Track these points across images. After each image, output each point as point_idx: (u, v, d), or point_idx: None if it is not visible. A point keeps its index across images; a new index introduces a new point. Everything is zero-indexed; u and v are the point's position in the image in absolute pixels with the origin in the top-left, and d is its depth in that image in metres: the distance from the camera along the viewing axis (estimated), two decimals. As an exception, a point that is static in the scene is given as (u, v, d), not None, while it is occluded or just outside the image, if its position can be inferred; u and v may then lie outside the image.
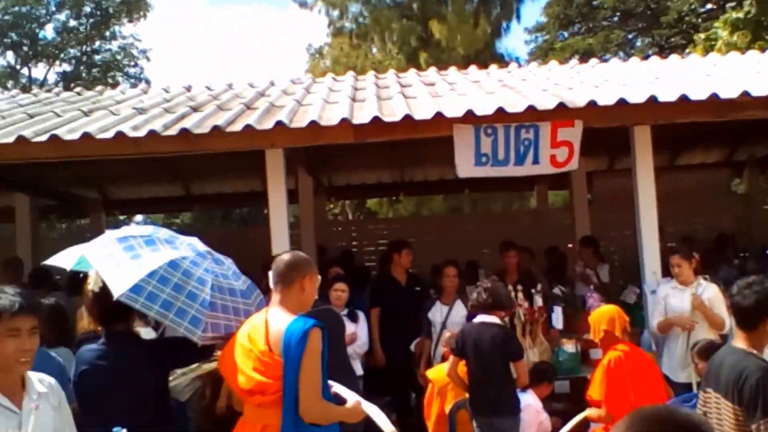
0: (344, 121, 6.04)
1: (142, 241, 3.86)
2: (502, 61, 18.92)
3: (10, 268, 8.38)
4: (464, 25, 20.72)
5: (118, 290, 3.57)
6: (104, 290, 3.68)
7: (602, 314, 5.36)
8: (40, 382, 2.92)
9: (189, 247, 4.01)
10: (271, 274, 3.63)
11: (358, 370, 6.47)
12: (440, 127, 6.13)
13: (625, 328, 5.27)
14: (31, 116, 7.15)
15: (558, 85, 7.58)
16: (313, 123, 6.03)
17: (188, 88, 9.20)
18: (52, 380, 2.99)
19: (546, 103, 6.26)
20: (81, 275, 4.19)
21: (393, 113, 6.27)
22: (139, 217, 4.57)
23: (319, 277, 3.73)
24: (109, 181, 10.87)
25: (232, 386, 3.63)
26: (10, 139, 5.90)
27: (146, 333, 4.86)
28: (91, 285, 3.85)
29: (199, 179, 11.28)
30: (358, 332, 6.74)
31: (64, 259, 4.51)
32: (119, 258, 3.73)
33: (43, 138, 5.92)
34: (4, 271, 8.34)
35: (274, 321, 3.49)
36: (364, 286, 8.07)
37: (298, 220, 10.00)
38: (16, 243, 9.77)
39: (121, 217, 19.23)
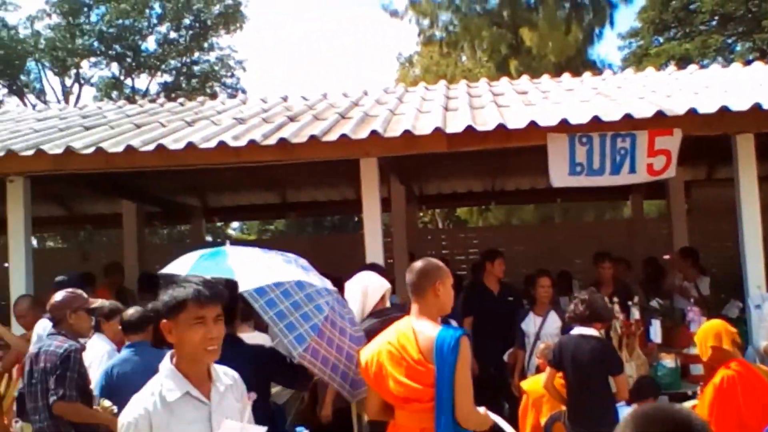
0: (437, 131, 6.09)
1: (281, 259, 4.19)
2: (594, 67, 18.61)
3: (111, 272, 8.79)
4: (555, 31, 20.47)
5: (244, 286, 3.86)
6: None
7: (707, 331, 5.09)
8: (224, 374, 2.91)
9: (320, 280, 4.29)
10: (407, 284, 3.73)
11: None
12: (533, 136, 6.11)
13: (735, 340, 5.02)
14: (138, 126, 7.49)
15: (655, 92, 7.43)
16: (406, 132, 6.11)
17: (285, 98, 9.44)
18: (235, 374, 2.97)
19: (643, 111, 6.15)
20: None
21: (486, 122, 6.29)
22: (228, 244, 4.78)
23: (452, 279, 3.78)
24: (209, 188, 11.23)
25: (383, 393, 3.68)
26: (120, 149, 6.20)
27: (256, 338, 5.06)
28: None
29: (295, 187, 11.54)
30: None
31: (180, 267, 4.80)
32: (255, 262, 4.08)
33: (150, 147, 6.20)
34: (107, 274, 8.76)
35: (422, 329, 3.59)
36: (456, 295, 8.08)
37: (390, 228, 10.10)
38: (124, 248, 10.24)
39: (219, 224, 19.90)
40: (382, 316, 4.83)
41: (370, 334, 4.71)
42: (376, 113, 7.35)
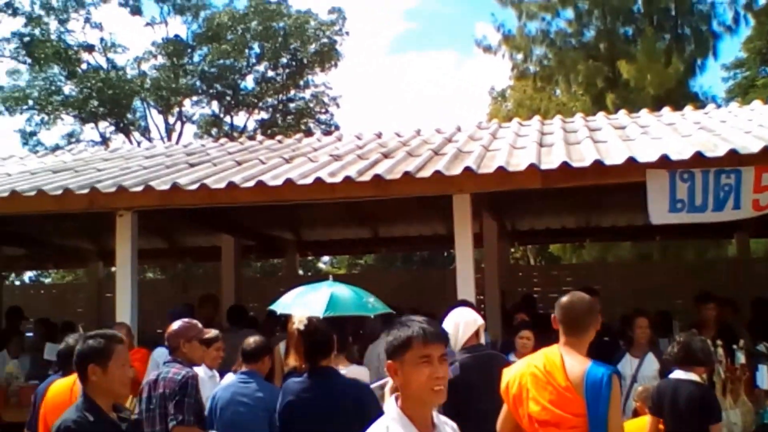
0: (532, 167, 6.06)
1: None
2: (696, 100, 18.11)
3: (207, 304, 9.03)
4: (655, 64, 20.01)
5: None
6: (308, 328, 3.98)
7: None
8: (445, 422, 2.87)
9: None
10: (559, 314, 3.88)
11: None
12: (632, 172, 6.00)
13: None
14: (239, 163, 7.75)
15: (762, 126, 7.19)
16: (500, 169, 6.10)
17: (379, 135, 9.58)
18: (453, 424, 2.95)
19: (749, 146, 5.97)
20: (281, 316, 4.58)
21: (582, 158, 6.23)
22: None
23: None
24: (304, 223, 11.45)
25: (518, 416, 3.83)
26: (222, 185, 6.43)
27: (353, 371, 5.15)
28: (296, 324, 4.17)
29: (387, 222, 11.63)
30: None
31: (282, 305, 5.11)
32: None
33: (251, 184, 6.41)
34: (201, 306, 9.01)
35: (572, 360, 3.74)
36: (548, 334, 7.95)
37: (481, 264, 10.04)
38: (222, 280, 10.54)
39: (309, 258, 20.23)
40: (474, 352, 4.90)
41: (464, 368, 4.73)
42: (470, 149, 7.37)
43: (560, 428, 3.64)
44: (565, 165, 6.00)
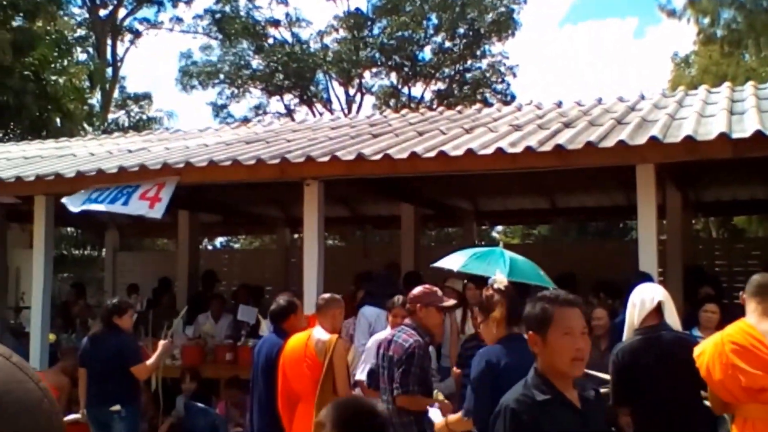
0: (722, 136, 5.82)
1: None
2: None
3: (392, 270, 9.41)
4: None
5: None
6: (509, 290, 4.18)
7: None
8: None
9: None
10: (751, 291, 4.29)
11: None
12: (834, 140, 5.64)
13: None
14: (420, 134, 7.95)
15: None
16: (688, 138, 5.90)
17: (559, 104, 9.48)
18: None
19: None
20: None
21: (778, 126, 5.90)
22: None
23: None
24: (481, 193, 11.55)
25: (729, 387, 4.14)
26: (404, 155, 6.64)
27: None
28: (497, 285, 4.31)
29: (565, 192, 11.51)
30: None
31: (452, 262, 5.21)
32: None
33: (432, 154, 6.58)
34: (387, 270, 9.39)
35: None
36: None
37: (661, 237, 9.73)
38: (401, 248, 10.88)
39: (483, 227, 20.30)
40: (647, 333, 4.69)
41: (632, 352, 4.61)
42: (655, 118, 7.16)
43: None
44: (758, 133, 5.71)
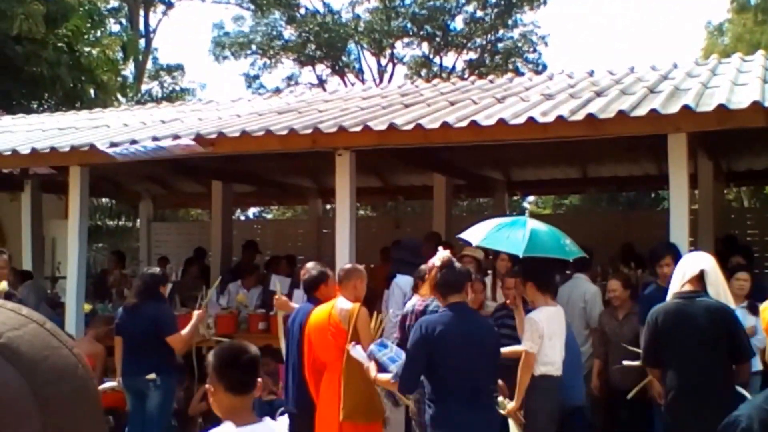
0: (755, 104, 5.77)
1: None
2: None
3: (430, 242, 9.45)
4: None
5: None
6: (444, 264, 4.52)
7: None
8: None
9: None
10: None
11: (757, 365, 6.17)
12: None
13: None
14: (451, 103, 7.97)
15: None
16: (720, 107, 5.86)
17: (591, 73, 9.42)
18: None
19: None
20: None
21: (813, 95, 5.85)
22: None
23: None
24: (513, 162, 11.53)
25: None
26: (436, 125, 6.67)
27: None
28: (435, 260, 4.71)
29: (596, 162, 11.47)
30: (757, 325, 6.44)
31: (477, 234, 5.33)
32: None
33: (464, 124, 6.60)
34: (424, 242, 9.45)
35: None
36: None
37: (692, 206, 9.68)
38: (433, 218, 10.94)
39: (515, 198, 20.27)
40: (681, 298, 4.84)
41: (665, 313, 4.72)
42: (687, 86, 7.11)
43: None
44: (792, 102, 5.68)
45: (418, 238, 6.14)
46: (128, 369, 6.75)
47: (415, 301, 5.61)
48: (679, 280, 4.88)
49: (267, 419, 3.12)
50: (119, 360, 6.91)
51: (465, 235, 6.01)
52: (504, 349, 5.04)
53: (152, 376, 6.54)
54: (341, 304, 5.49)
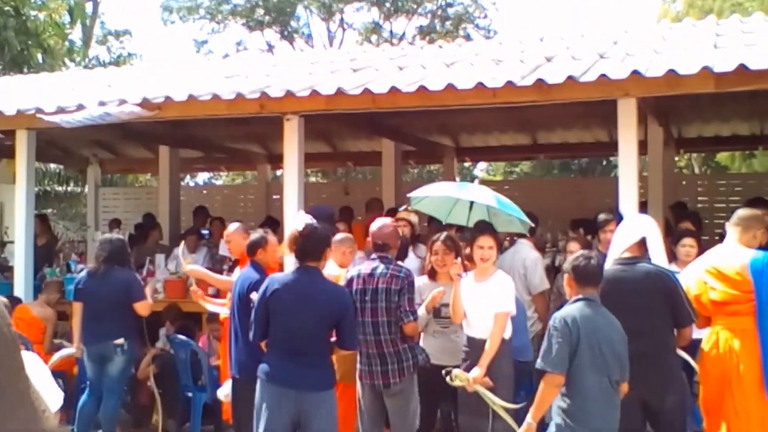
0: (705, 70, 5.77)
1: None
2: None
3: (374, 207, 9.41)
4: None
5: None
6: (304, 231, 4.76)
7: None
8: None
9: None
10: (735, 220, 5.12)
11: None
12: (816, 74, 5.59)
13: None
14: (400, 68, 7.84)
15: None
16: (670, 72, 5.84)
17: (541, 39, 9.37)
18: None
19: None
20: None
21: (759, 60, 5.84)
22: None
23: None
24: (462, 129, 11.50)
25: (703, 303, 5.00)
26: (385, 90, 6.55)
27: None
28: (297, 225, 4.89)
29: (546, 128, 11.49)
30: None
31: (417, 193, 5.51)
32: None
33: (412, 88, 6.49)
34: (368, 209, 9.40)
35: (738, 252, 4.95)
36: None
37: (643, 173, 9.76)
38: (382, 184, 10.88)
39: (465, 164, 20.33)
40: (624, 264, 4.86)
41: (608, 281, 4.71)
42: (637, 52, 7.09)
43: (740, 304, 4.80)
44: (741, 67, 5.66)
45: (329, 204, 6.22)
46: (92, 334, 6.69)
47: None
48: (620, 245, 4.88)
49: None
50: (77, 326, 6.83)
51: (413, 193, 6.27)
52: (490, 344, 5.11)
53: (120, 341, 6.54)
54: (330, 268, 5.52)
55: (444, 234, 5.81)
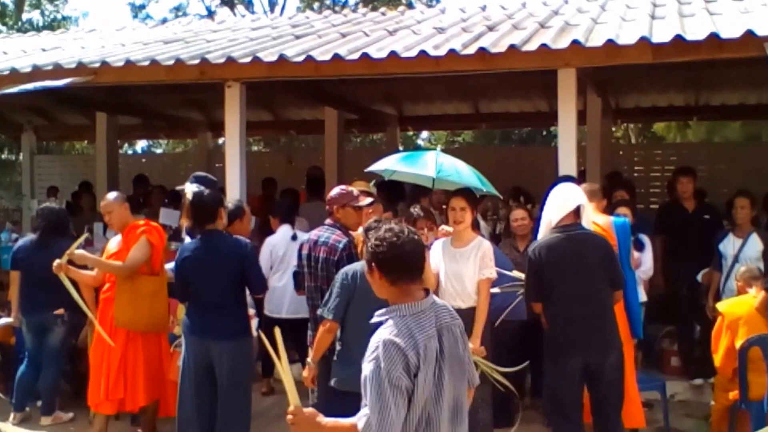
0: (643, 41, 5.87)
1: None
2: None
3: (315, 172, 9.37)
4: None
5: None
6: (194, 199, 5.14)
7: None
8: None
9: None
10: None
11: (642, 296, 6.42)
12: (749, 46, 5.69)
13: None
14: (343, 35, 7.79)
15: None
16: (609, 42, 5.93)
17: (483, 8, 9.40)
18: None
19: None
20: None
21: (696, 31, 5.98)
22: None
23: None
24: (405, 97, 11.50)
25: None
26: (328, 57, 6.50)
27: None
28: (187, 195, 5.23)
29: (488, 98, 11.57)
30: (643, 258, 6.73)
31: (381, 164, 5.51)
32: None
33: (355, 56, 6.46)
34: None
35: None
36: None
37: (582, 143, 9.92)
38: (325, 153, 10.83)
39: (408, 133, 20.35)
40: (563, 232, 4.92)
41: (548, 248, 4.84)
42: (577, 22, 7.17)
43: None
44: (678, 39, 5.77)
45: (210, 175, 6.08)
46: (31, 305, 6.57)
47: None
48: (556, 213, 4.96)
49: None
50: (16, 295, 6.70)
51: (376, 169, 6.16)
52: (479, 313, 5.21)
53: (60, 311, 6.44)
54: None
55: (417, 210, 5.74)
